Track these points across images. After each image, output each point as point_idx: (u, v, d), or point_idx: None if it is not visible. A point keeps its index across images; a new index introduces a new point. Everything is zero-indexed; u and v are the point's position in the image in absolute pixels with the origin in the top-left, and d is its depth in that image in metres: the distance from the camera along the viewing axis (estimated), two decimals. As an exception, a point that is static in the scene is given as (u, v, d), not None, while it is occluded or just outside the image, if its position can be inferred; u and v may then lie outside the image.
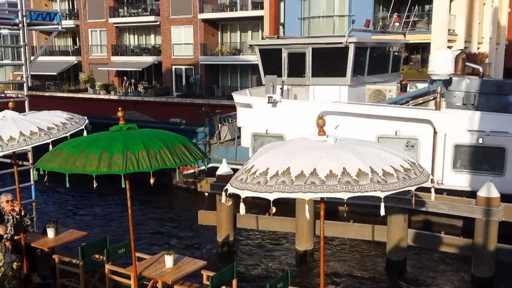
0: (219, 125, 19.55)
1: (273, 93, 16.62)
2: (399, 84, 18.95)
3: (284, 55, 17.86)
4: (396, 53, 19.78)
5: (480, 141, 14.03)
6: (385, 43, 19.31)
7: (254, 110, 17.34)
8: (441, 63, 16.04)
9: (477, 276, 11.22)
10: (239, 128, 18.33)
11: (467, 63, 17.91)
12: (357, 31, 19.07)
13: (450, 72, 16.16)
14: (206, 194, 16.32)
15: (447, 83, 16.64)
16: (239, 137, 18.24)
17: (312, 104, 16.67)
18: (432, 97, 16.46)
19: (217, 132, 19.30)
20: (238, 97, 18.10)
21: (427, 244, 12.17)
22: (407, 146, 15.06)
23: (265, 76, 17.94)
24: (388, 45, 19.35)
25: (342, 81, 17.24)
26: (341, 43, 16.87)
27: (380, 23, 20.40)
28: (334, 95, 17.19)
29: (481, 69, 17.93)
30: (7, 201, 8.55)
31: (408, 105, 16.78)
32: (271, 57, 18.22)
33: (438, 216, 13.34)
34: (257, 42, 18.81)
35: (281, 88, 16.90)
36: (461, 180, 14.48)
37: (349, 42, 16.81)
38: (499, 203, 10.86)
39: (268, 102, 16.61)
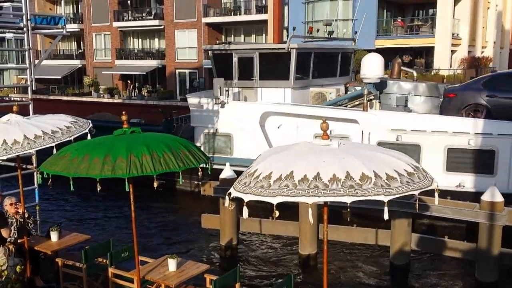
0: (175, 125, 20.52)
1: (220, 95, 17.77)
2: (344, 87, 20.15)
3: (235, 59, 18.81)
4: (345, 58, 20.60)
5: (399, 139, 15.16)
6: (331, 48, 20.21)
7: (205, 111, 18.45)
8: (371, 67, 17.09)
9: (480, 281, 11.17)
10: (192, 128, 19.20)
11: (402, 67, 19.74)
12: (299, 38, 20.20)
13: (379, 76, 17.21)
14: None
15: (383, 86, 17.72)
16: (192, 136, 19.00)
17: (255, 105, 17.94)
18: (369, 99, 17.40)
19: (172, 132, 19.97)
20: (191, 99, 19.10)
21: (431, 249, 12.16)
22: None
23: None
24: (334, 50, 20.13)
25: (286, 84, 18.23)
26: (284, 48, 17.79)
27: (328, 29, 21.44)
28: (280, 97, 18.26)
29: (415, 73, 19.60)
30: (11, 204, 8.57)
31: (346, 106, 17.59)
32: (223, 61, 19.21)
33: (442, 220, 13.34)
34: (210, 47, 19.96)
35: (226, 90, 18.01)
36: None
37: (291, 48, 17.66)
38: (503, 207, 10.83)
39: (216, 104, 17.91)
